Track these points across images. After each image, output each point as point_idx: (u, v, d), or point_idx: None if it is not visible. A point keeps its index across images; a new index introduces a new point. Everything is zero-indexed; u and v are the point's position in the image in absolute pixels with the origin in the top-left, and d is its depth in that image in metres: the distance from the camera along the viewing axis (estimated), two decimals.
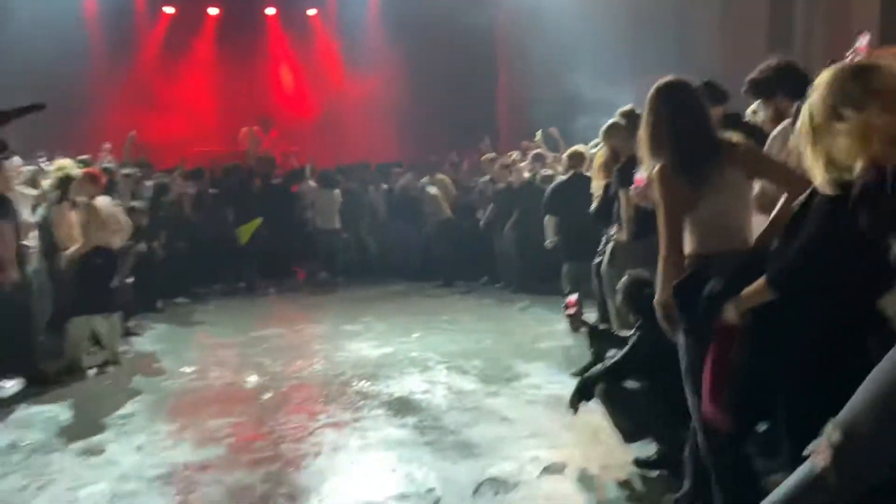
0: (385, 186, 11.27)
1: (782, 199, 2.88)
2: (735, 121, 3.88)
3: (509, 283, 9.46)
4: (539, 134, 8.87)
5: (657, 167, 2.94)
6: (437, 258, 10.38)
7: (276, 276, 10.64)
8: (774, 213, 2.89)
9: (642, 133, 3.05)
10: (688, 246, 2.96)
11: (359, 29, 15.42)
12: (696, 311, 2.74)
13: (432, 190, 10.41)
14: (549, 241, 7.64)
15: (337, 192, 10.48)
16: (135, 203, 8.15)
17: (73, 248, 6.29)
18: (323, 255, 10.79)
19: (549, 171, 8.72)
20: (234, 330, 7.92)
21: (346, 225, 10.79)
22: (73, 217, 6.39)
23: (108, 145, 9.14)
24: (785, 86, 3.55)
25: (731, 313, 2.54)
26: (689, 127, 2.94)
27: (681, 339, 2.94)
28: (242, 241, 10.22)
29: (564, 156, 7.55)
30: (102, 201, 6.61)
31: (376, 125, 14.22)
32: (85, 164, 7.71)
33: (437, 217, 10.29)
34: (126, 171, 8.71)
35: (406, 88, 14.54)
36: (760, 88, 3.65)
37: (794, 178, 2.81)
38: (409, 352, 6.70)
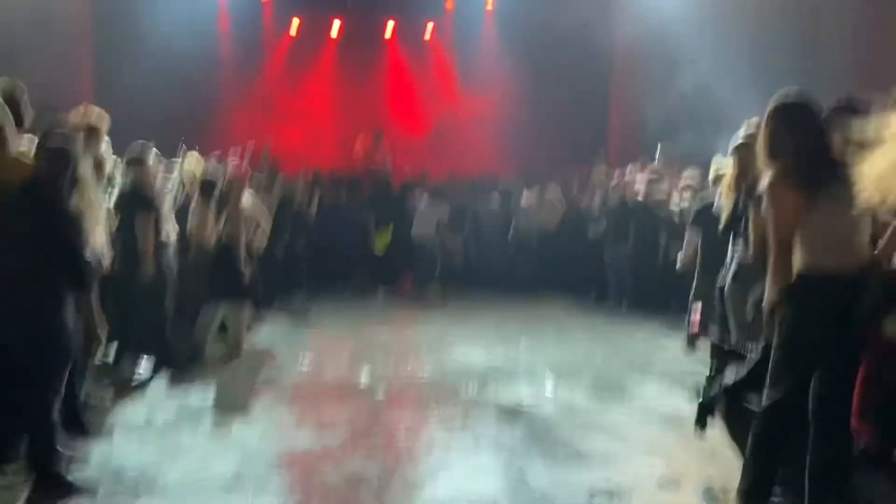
0: (497, 198, 11.34)
1: None
2: None
3: (619, 299, 9.32)
4: (660, 147, 8.71)
5: (770, 177, 2.97)
6: (544, 270, 10.39)
7: (386, 280, 10.89)
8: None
9: (760, 146, 3.10)
10: (800, 260, 2.96)
11: (474, 44, 15.65)
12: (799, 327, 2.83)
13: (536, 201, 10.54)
14: (681, 263, 7.40)
15: (444, 206, 10.52)
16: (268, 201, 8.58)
17: (208, 242, 6.69)
18: (427, 264, 10.94)
19: (662, 196, 8.57)
20: (346, 330, 8.16)
21: (456, 235, 10.93)
22: (212, 213, 6.77)
23: (250, 143, 9.62)
24: None
25: (892, 327, 2.44)
26: (806, 142, 2.97)
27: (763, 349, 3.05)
28: (378, 250, 10.79)
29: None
30: (247, 200, 7.00)
31: (488, 140, 14.34)
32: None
33: (546, 229, 10.34)
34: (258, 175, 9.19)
35: (519, 104, 14.61)
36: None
37: None
38: (518, 361, 6.71)
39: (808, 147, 2.98)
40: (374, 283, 10.71)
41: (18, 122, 3.78)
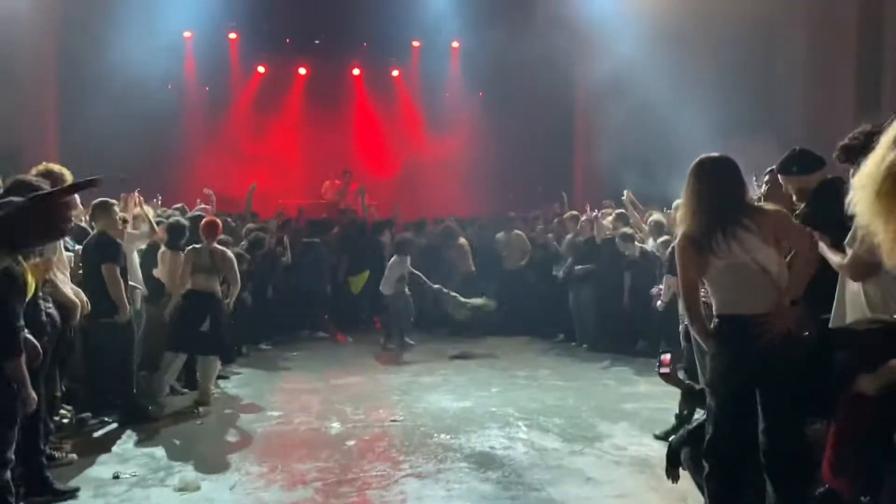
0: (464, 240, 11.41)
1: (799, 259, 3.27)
2: (835, 188, 3.80)
3: (587, 340, 9.40)
4: (627, 192, 8.90)
5: (677, 236, 3.37)
6: (514, 312, 10.45)
7: (356, 324, 10.84)
8: (794, 268, 3.27)
9: (681, 202, 3.51)
10: (713, 305, 3.39)
11: (440, 90, 15.92)
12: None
13: (502, 239, 10.66)
14: (661, 302, 7.57)
15: (407, 258, 9.87)
16: (238, 249, 8.52)
17: (177, 289, 6.63)
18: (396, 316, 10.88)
19: (629, 230, 8.73)
20: (316, 377, 8.09)
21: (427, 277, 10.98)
22: (179, 261, 6.72)
23: (208, 190, 9.59)
24: None
25: (867, 385, 2.52)
26: (710, 202, 3.31)
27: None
28: (354, 290, 10.76)
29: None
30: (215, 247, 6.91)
31: (454, 183, 14.50)
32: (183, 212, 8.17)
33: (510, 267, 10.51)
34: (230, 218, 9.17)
35: (485, 145, 14.84)
36: (851, 155, 3.52)
37: (806, 241, 3.26)
38: (489, 406, 6.71)
39: (709, 202, 3.32)
40: (343, 327, 10.63)
41: None
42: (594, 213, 9.70)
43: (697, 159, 3.47)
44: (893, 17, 9.63)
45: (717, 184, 3.37)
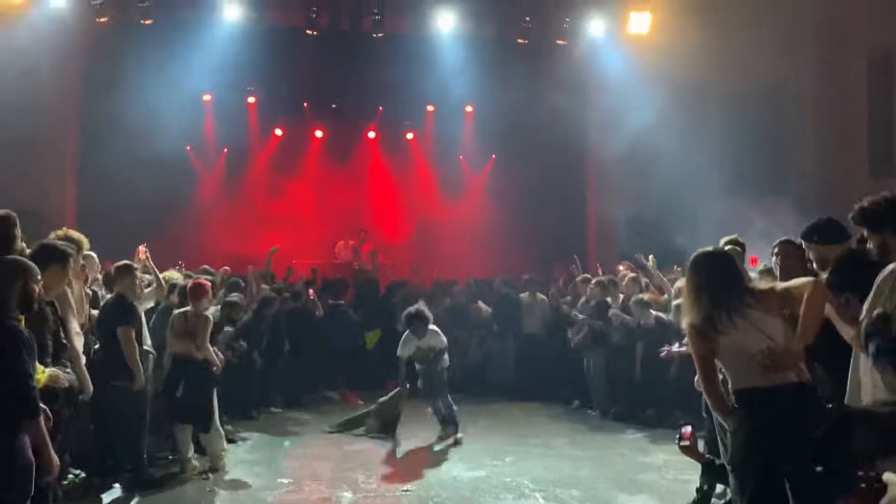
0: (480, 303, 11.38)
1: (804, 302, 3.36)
2: (855, 259, 3.76)
3: (601, 408, 9.24)
4: (652, 258, 8.88)
5: (687, 325, 3.58)
6: (529, 376, 10.34)
7: (368, 387, 10.72)
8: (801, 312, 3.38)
9: (683, 293, 3.76)
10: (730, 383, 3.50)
11: (453, 152, 16.11)
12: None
13: (525, 301, 10.60)
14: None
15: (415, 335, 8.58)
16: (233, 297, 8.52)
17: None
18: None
19: (645, 297, 8.67)
20: (326, 442, 7.97)
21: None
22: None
23: (226, 268, 9.66)
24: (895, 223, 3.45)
25: (888, 468, 2.45)
26: (710, 290, 3.50)
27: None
28: (368, 345, 10.76)
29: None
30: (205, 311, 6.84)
31: (467, 245, 14.53)
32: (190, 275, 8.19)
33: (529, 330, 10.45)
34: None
35: (497, 209, 14.92)
36: (869, 219, 3.57)
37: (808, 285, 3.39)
38: (503, 476, 6.57)
39: (708, 290, 3.51)
40: (357, 389, 10.52)
41: (6, 249, 3.76)
42: (615, 277, 9.67)
43: (693, 255, 3.70)
44: None
45: (714, 274, 3.58)
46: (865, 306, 3.33)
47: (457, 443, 7.89)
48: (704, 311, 3.49)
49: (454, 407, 8.25)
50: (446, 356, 8.37)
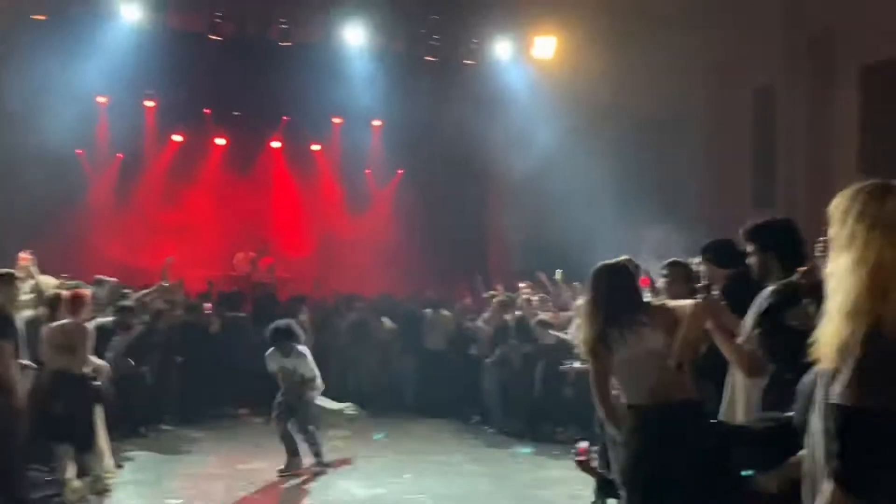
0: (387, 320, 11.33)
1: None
2: (744, 281, 3.93)
3: (499, 424, 9.34)
4: (559, 273, 9.06)
5: (584, 339, 3.64)
6: (432, 392, 10.35)
7: (264, 404, 10.43)
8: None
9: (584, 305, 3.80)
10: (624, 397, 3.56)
11: (360, 166, 16.02)
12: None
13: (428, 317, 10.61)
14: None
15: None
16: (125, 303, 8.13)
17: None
18: None
19: (546, 317, 8.86)
20: (219, 460, 7.71)
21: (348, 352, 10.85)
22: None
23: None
24: (780, 247, 3.58)
25: (767, 483, 2.57)
26: (606, 305, 3.57)
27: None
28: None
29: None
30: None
31: (370, 259, 14.47)
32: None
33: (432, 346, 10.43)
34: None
35: (402, 225, 14.94)
36: (757, 238, 3.68)
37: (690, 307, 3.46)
38: (402, 493, 6.54)
39: (604, 306, 3.58)
40: (251, 406, 10.21)
41: None
42: (515, 294, 9.83)
43: (595, 267, 3.74)
44: (784, 115, 10.41)
45: (612, 287, 3.63)
46: (745, 326, 3.50)
47: (319, 468, 7.29)
48: (598, 328, 3.56)
49: (317, 437, 7.50)
50: (317, 384, 7.54)
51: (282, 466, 7.16)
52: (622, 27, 11.08)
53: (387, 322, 11.15)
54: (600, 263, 3.75)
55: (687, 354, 3.41)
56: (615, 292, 3.62)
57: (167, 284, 9.41)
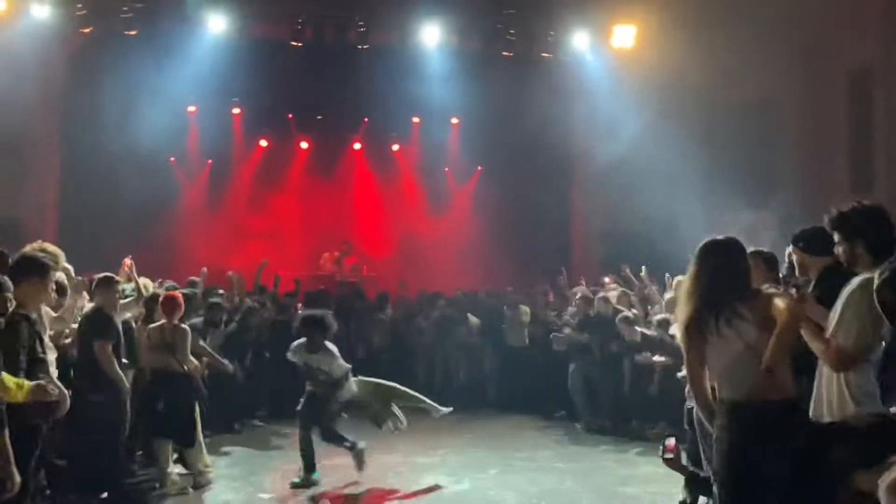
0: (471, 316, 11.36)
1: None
2: (838, 275, 3.72)
3: (586, 419, 9.21)
4: (644, 269, 8.88)
5: (680, 320, 3.48)
6: (514, 388, 10.29)
7: None
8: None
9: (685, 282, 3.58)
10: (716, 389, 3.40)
11: (439, 164, 16.13)
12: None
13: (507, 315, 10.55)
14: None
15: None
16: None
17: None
18: None
19: (630, 314, 8.69)
20: None
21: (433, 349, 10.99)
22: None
23: (204, 269, 9.56)
24: (868, 235, 3.39)
25: (868, 483, 2.43)
26: (708, 286, 3.38)
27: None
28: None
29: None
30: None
31: (452, 257, 14.51)
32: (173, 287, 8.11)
33: (516, 343, 10.34)
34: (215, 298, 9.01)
35: (483, 222, 14.94)
36: (843, 226, 3.50)
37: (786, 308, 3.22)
38: (486, 489, 6.53)
39: (707, 286, 3.38)
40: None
41: None
42: (598, 291, 9.69)
43: (703, 242, 3.51)
44: (883, 96, 9.85)
45: (716, 268, 3.41)
46: (833, 318, 3.33)
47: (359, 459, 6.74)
48: (695, 310, 3.39)
49: (349, 441, 6.80)
50: (345, 392, 6.74)
51: (296, 479, 6.61)
52: (705, 9, 10.73)
53: (472, 319, 11.17)
54: (709, 239, 3.52)
55: (780, 359, 3.23)
56: (720, 273, 3.40)
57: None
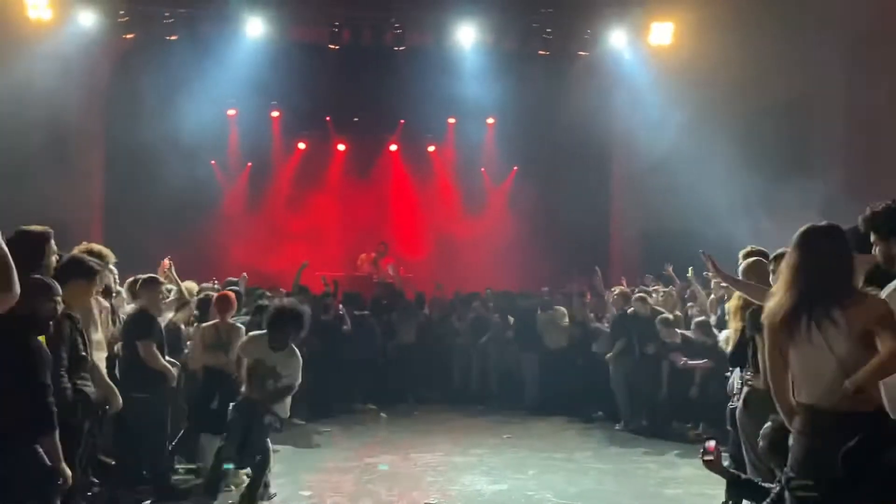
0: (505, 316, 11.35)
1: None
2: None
3: (626, 420, 9.13)
4: (690, 270, 8.79)
5: (769, 309, 3.16)
6: (553, 390, 10.26)
7: (389, 400, 10.70)
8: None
9: (781, 268, 3.27)
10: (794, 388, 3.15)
11: (475, 164, 16.13)
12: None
13: (542, 318, 10.50)
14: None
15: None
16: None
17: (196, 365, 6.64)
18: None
19: (671, 316, 8.61)
20: (348, 454, 7.95)
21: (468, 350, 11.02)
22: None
23: (244, 275, 9.70)
24: None
25: None
26: (806, 280, 3.09)
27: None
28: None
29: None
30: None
31: (489, 258, 14.51)
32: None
33: (554, 345, 10.32)
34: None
35: (519, 222, 14.89)
36: (878, 225, 3.37)
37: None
38: (525, 490, 6.51)
39: (804, 280, 3.09)
40: (378, 402, 10.52)
41: (35, 265, 3.79)
42: (647, 288, 9.62)
43: (803, 228, 3.22)
44: None
45: (817, 260, 3.11)
46: None
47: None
48: (786, 305, 3.11)
49: (267, 470, 5.91)
50: (285, 407, 5.90)
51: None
52: (743, 4, 10.55)
53: (511, 320, 11.16)
54: (810, 225, 3.20)
55: (874, 384, 2.94)
56: (819, 267, 3.08)
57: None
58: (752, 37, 10.44)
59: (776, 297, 3.18)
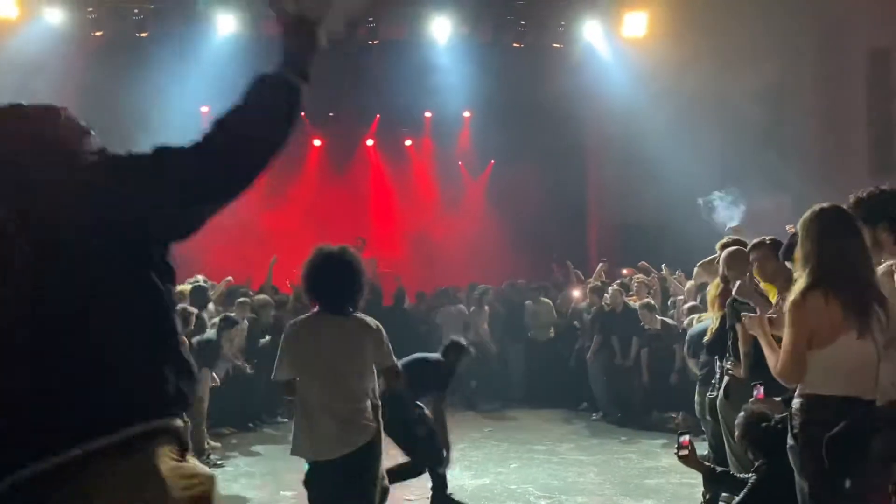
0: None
1: None
2: None
3: (606, 412, 9.17)
4: (665, 267, 8.81)
5: (801, 288, 2.95)
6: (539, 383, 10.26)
7: None
8: None
9: (797, 253, 3.14)
10: (809, 385, 2.95)
11: (452, 158, 16.08)
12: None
13: (530, 308, 10.48)
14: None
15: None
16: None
17: None
18: None
19: (652, 301, 8.63)
20: None
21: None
22: None
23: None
24: (892, 218, 3.31)
25: None
26: (853, 263, 2.98)
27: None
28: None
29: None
30: None
31: (467, 251, 14.47)
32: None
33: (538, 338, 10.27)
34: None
35: (496, 215, 14.87)
36: (864, 211, 3.40)
37: None
38: (507, 483, 6.50)
39: (852, 263, 2.99)
40: None
41: None
42: (625, 280, 9.64)
43: (813, 210, 3.14)
44: None
45: (848, 242, 3.04)
46: None
47: None
48: (844, 286, 2.95)
49: None
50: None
51: None
52: None
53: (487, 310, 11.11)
54: (819, 206, 3.13)
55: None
56: (854, 250, 3.01)
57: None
58: (726, 25, 10.48)
59: (816, 276, 2.98)
